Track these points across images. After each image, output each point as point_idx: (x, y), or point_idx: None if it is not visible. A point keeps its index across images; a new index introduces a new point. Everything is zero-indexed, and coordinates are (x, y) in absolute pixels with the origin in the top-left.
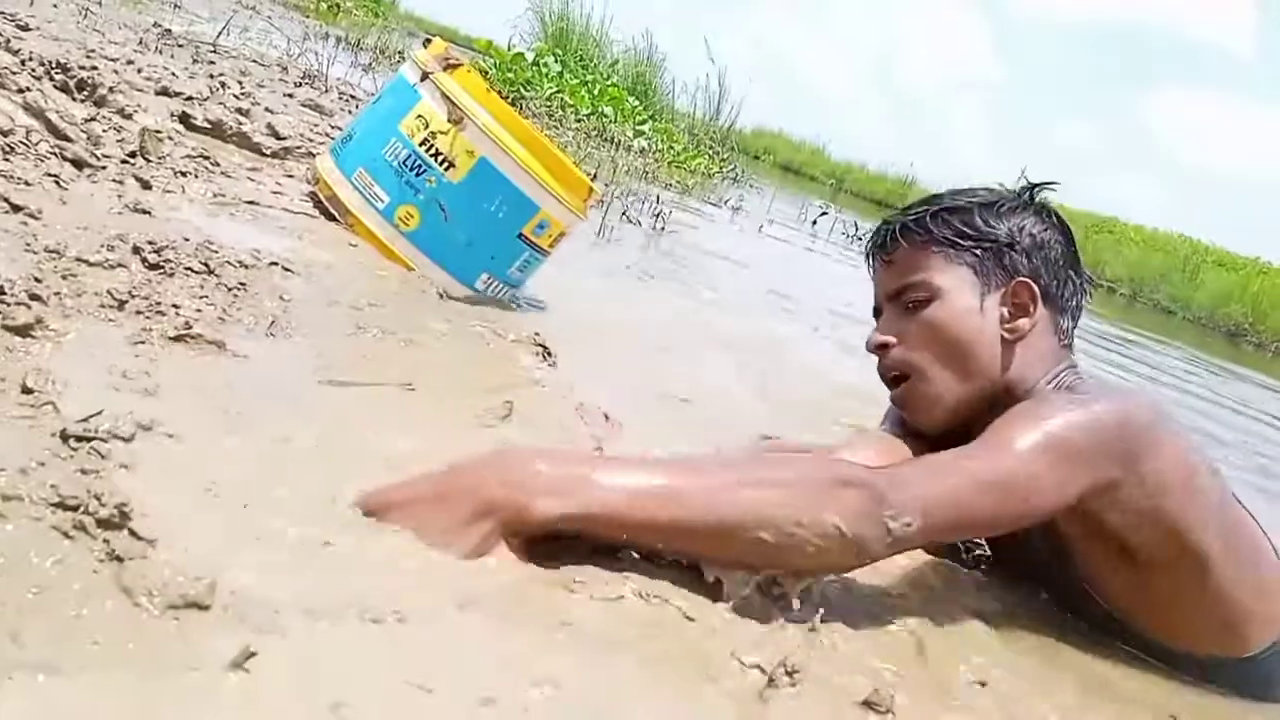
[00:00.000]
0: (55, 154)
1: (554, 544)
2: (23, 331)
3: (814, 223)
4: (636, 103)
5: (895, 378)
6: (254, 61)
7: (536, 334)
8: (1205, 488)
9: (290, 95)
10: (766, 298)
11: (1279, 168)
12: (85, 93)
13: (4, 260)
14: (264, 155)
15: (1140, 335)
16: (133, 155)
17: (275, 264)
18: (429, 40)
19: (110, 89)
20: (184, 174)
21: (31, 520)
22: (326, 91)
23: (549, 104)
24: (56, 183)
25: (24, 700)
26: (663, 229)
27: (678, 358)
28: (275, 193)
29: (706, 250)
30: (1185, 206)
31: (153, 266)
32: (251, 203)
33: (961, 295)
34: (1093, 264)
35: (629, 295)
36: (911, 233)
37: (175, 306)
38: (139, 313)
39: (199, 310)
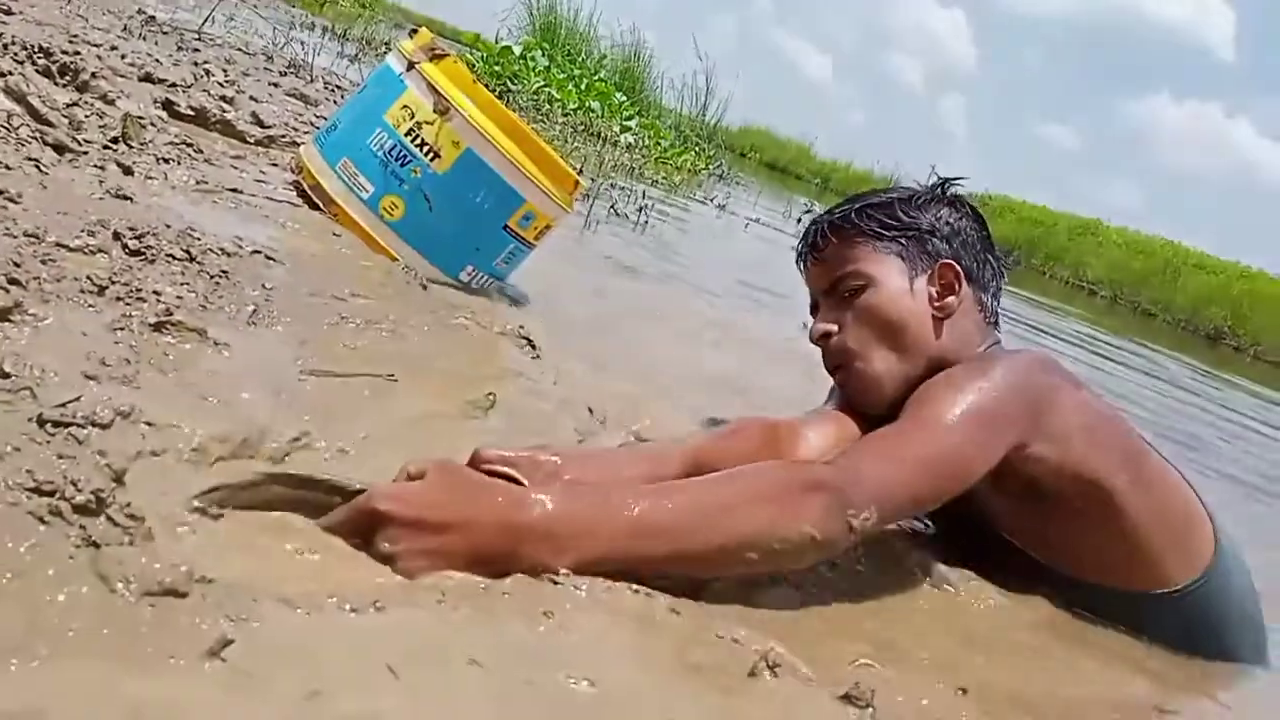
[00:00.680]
0: (36, 138)
1: None
2: (1, 316)
3: (799, 220)
4: (624, 98)
5: (838, 366)
6: (239, 50)
7: (521, 326)
8: (1106, 432)
9: (275, 84)
10: (744, 291)
11: (1258, 172)
12: (68, 78)
13: None
14: (248, 143)
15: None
16: (115, 141)
17: (258, 252)
18: (415, 30)
19: (93, 74)
20: (166, 161)
21: (7, 505)
22: (312, 81)
23: (536, 98)
24: (37, 167)
25: None
26: (647, 224)
27: (659, 350)
28: (259, 181)
29: (690, 245)
30: (1167, 210)
31: (134, 253)
32: (235, 190)
33: (892, 280)
34: (1074, 265)
35: (613, 289)
36: (840, 229)
37: (156, 293)
38: (119, 299)
39: (180, 297)
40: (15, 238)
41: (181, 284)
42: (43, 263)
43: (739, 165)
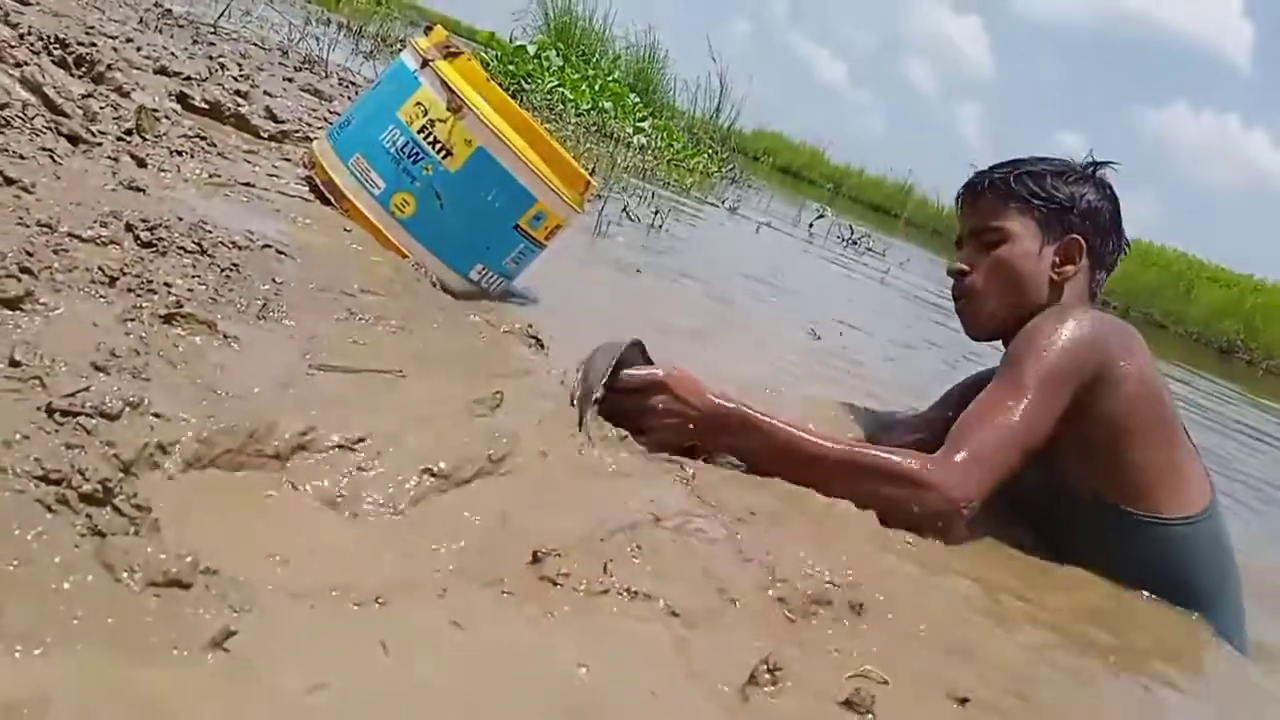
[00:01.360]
0: (51, 129)
1: (541, 531)
2: (12, 304)
3: (810, 225)
4: (637, 99)
5: (961, 297)
6: (254, 44)
7: (529, 325)
8: (1149, 402)
9: (290, 79)
10: (755, 291)
11: (1274, 184)
12: (83, 69)
13: None
14: (261, 138)
15: None
16: (129, 133)
17: (269, 246)
18: (430, 28)
19: (108, 66)
20: (180, 153)
21: (14, 493)
22: (326, 77)
23: (549, 98)
24: (51, 158)
25: (1, 673)
26: (659, 226)
27: (668, 351)
28: (271, 175)
29: (701, 248)
30: (1182, 222)
31: (145, 244)
32: (247, 184)
33: (1025, 241)
34: None
35: (623, 289)
36: (997, 186)
37: (167, 285)
38: (130, 290)
39: (190, 290)
40: (28, 227)
41: (192, 276)
42: (55, 253)
43: (752, 169)
